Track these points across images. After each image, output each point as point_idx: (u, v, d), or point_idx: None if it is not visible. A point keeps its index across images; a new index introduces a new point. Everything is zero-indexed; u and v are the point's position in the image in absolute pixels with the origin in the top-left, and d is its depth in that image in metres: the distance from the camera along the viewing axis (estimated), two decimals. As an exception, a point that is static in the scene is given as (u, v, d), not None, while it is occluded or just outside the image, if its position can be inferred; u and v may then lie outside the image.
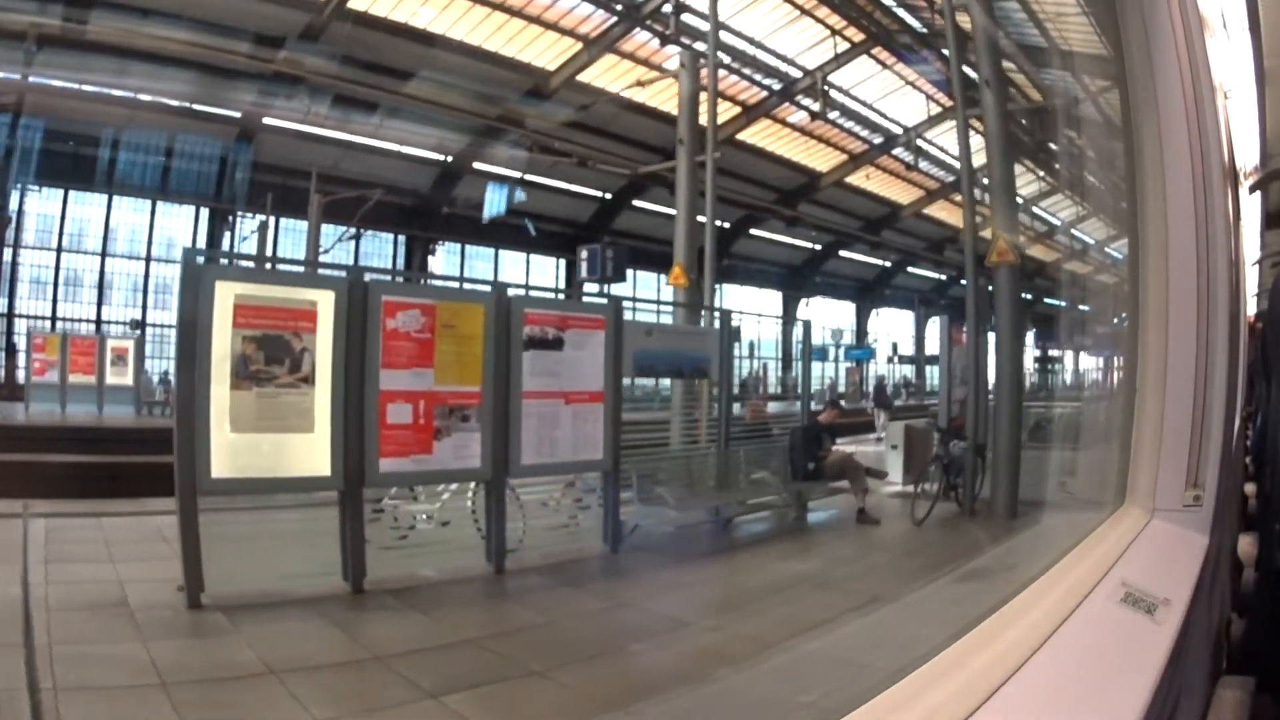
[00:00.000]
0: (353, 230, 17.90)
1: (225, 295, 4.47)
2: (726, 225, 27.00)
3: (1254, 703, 1.73)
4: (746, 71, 19.75)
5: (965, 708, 0.85)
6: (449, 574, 5.19)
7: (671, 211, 25.52)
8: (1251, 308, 4.35)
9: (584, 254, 16.00)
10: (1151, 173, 1.71)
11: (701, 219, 10.44)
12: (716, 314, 9.29)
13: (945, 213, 29.26)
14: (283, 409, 4.64)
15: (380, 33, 15.51)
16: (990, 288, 8.73)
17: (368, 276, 5.14)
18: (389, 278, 12.12)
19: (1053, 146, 21.78)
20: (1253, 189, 6.49)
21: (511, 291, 5.83)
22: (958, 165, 26.37)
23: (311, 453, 4.74)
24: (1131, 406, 1.75)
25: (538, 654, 3.83)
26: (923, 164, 25.47)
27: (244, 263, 11.81)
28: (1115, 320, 2.65)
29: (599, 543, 5.99)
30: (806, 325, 9.26)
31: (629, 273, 24.88)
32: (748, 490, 7.67)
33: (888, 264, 32.69)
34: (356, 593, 4.67)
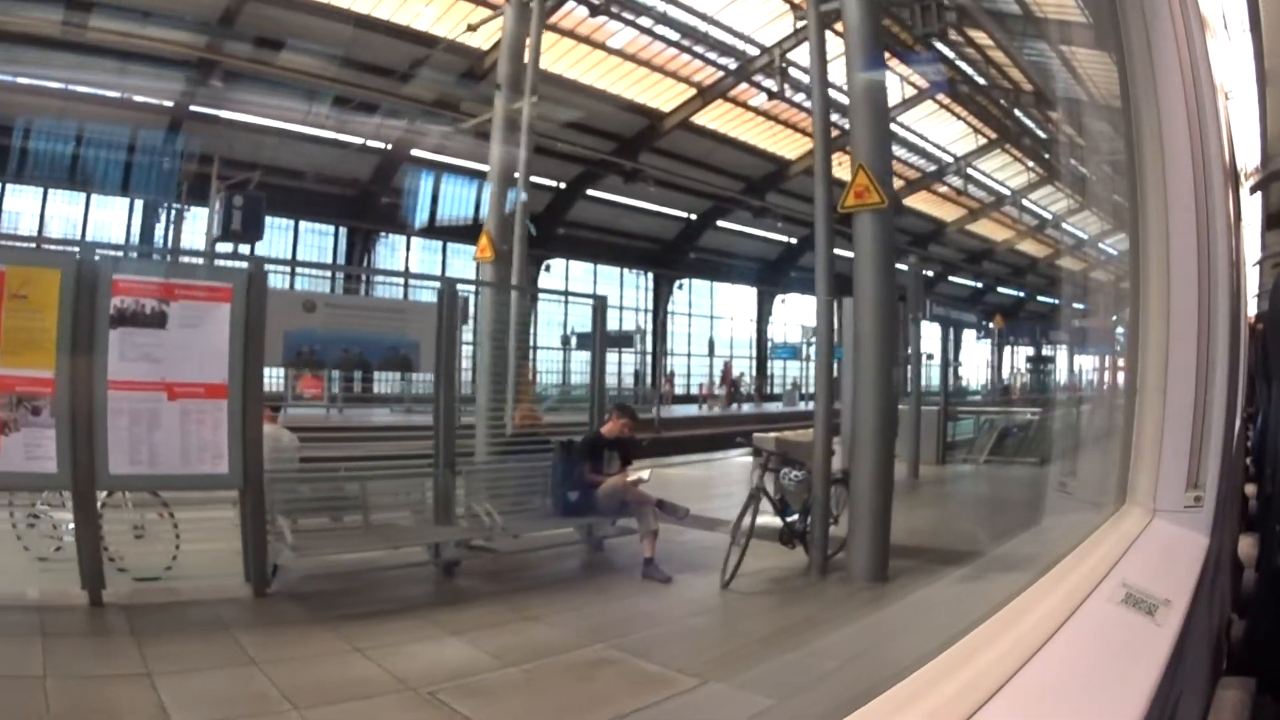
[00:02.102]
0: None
1: None
2: (693, 218, 26.20)
3: (1254, 703, 1.73)
4: (699, 50, 18.85)
5: (966, 708, 0.85)
6: (47, 599, 4.43)
7: (630, 202, 25.11)
8: (1252, 308, 4.35)
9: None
10: (1152, 173, 1.71)
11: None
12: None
13: (928, 204, 28.82)
14: None
15: (308, 14, 14.77)
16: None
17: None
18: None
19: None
20: (1253, 189, 6.50)
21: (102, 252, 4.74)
22: (944, 156, 26.05)
23: None
24: (1132, 407, 1.75)
25: None
26: (899, 151, 24.57)
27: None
28: (1114, 320, 2.65)
29: (243, 582, 4.83)
30: (599, 302, 7.21)
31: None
32: (470, 526, 5.76)
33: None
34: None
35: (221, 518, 4.97)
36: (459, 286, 6.23)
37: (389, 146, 19.20)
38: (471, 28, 14.91)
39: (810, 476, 5.77)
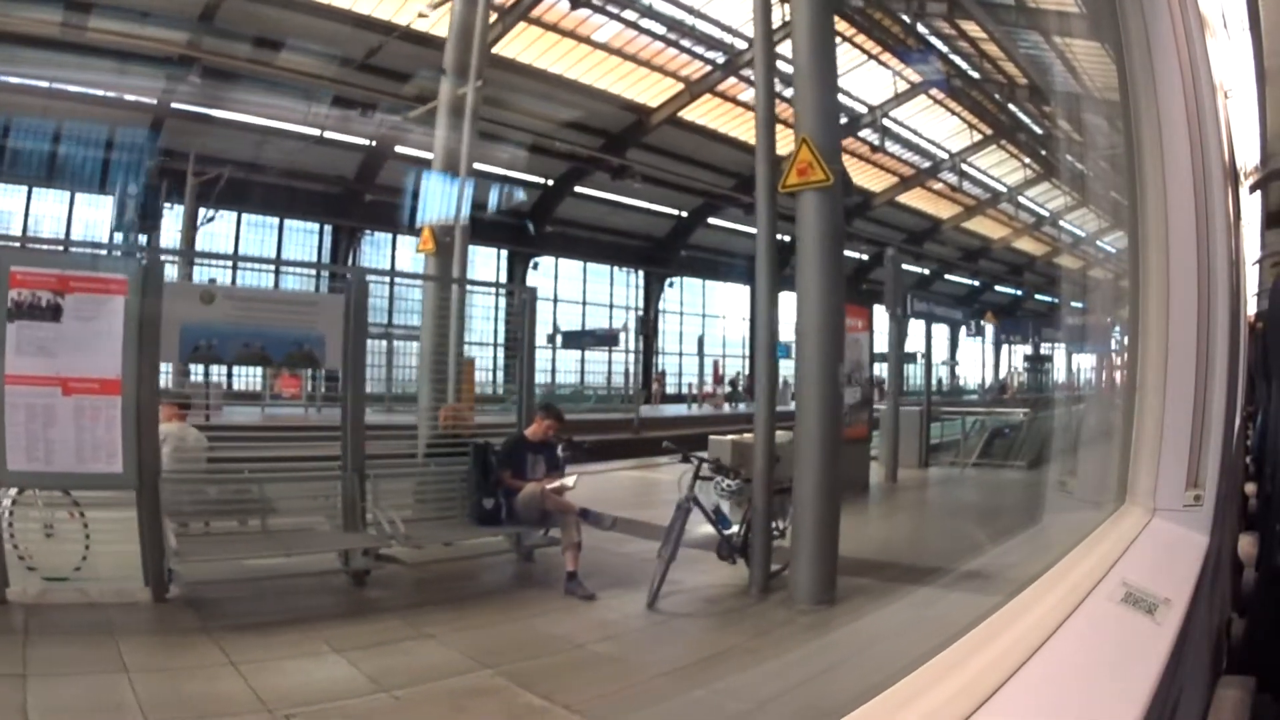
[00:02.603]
0: (211, 213, 17.42)
1: None
2: (684, 215, 26.11)
3: (1254, 702, 1.73)
4: (685, 43, 18.67)
5: (965, 708, 0.85)
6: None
7: (620, 199, 24.89)
8: (1252, 307, 4.35)
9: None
10: (1151, 171, 1.71)
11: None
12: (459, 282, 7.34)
13: (922, 201, 28.70)
14: None
15: (294, 12, 14.68)
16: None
17: None
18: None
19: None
20: (1253, 189, 6.50)
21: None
22: (935, 151, 25.91)
23: None
24: (1132, 406, 1.75)
25: None
26: (892, 146, 24.46)
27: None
28: (1112, 319, 2.65)
29: (142, 586, 4.67)
30: (528, 295, 6.80)
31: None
32: (377, 535, 5.33)
33: (864, 257, 29.92)
34: None
35: (132, 518, 4.81)
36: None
37: (373, 143, 19.03)
38: (423, 15, 14.78)
39: (748, 486, 5.27)
